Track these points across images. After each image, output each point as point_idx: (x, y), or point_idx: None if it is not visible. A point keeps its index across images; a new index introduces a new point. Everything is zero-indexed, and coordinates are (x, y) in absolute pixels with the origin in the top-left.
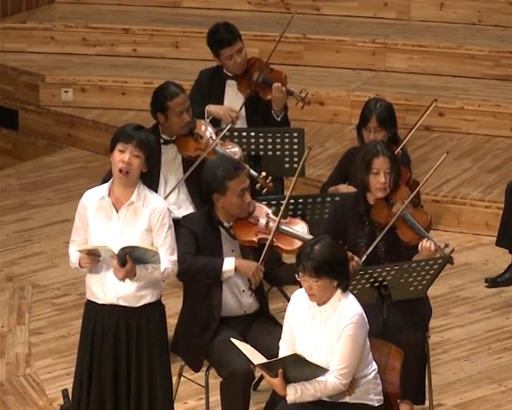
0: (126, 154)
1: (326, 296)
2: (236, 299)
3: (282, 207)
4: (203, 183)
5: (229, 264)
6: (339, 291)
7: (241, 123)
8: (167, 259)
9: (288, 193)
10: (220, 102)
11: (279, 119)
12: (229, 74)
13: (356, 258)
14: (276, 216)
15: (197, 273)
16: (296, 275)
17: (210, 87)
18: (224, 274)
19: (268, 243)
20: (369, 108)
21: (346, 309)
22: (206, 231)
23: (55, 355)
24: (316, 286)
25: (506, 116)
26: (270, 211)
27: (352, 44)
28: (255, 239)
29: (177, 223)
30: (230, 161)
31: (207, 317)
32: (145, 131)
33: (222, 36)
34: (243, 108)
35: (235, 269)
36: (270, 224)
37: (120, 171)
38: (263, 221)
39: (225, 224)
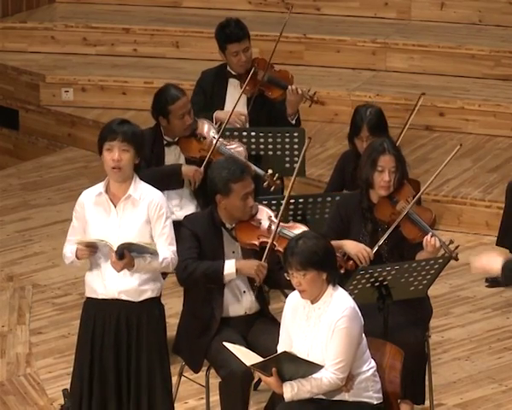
0: (115, 151)
1: (317, 291)
2: (237, 300)
3: (281, 211)
4: (208, 181)
5: (230, 267)
6: (330, 287)
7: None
8: (166, 249)
9: (286, 194)
10: (222, 101)
11: (294, 121)
12: (233, 73)
13: (367, 248)
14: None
15: (199, 280)
16: (285, 274)
17: (213, 87)
18: (226, 277)
19: (268, 246)
20: (360, 117)
21: (338, 303)
22: (208, 231)
23: (55, 355)
24: (304, 280)
25: (506, 116)
26: (272, 214)
27: (353, 44)
28: (256, 243)
29: (179, 224)
30: (237, 164)
31: (209, 318)
32: (129, 124)
33: (232, 31)
34: (246, 107)
35: (237, 271)
36: (272, 227)
37: (113, 168)
38: (265, 224)
39: (227, 225)
